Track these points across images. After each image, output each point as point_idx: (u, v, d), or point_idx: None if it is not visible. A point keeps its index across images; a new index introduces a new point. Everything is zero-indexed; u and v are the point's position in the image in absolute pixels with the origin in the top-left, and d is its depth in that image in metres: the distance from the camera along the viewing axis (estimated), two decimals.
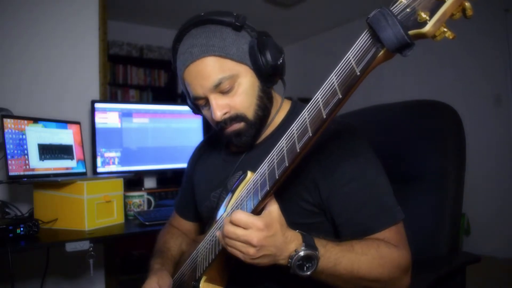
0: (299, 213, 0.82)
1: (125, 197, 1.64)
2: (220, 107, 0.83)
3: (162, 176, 2.08)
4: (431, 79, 3.75)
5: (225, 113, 0.84)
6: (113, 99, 4.42)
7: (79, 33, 1.94)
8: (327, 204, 0.80)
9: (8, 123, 1.44)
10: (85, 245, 1.25)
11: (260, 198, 0.68)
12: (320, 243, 0.70)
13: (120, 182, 1.56)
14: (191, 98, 0.89)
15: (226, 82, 0.82)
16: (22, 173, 1.44)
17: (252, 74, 0.85)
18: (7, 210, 1.54)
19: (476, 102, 3.38)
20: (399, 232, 0.77)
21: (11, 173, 1.40)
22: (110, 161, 1.79)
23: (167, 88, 4.80)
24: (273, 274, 0.79)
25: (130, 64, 4.60)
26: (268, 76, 0.85)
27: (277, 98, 0.94)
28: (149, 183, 1.95)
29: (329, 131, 0.80)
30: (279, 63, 0.83)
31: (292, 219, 0.81)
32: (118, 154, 1.82)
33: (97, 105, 1.78)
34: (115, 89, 4.54)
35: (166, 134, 1.91)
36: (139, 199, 1.69)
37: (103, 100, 1.98)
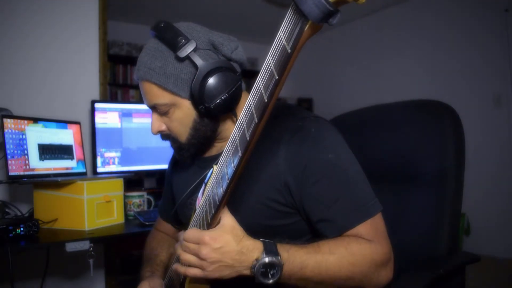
0: (273, 216, 0.81)
1: (125, 197, 1.64)
2: (156, 125, 0.87)
3: (162, 176, 2.08)
4: (431, 79, 3.76)
5: (160, 130, 0.88)
6: (113, 99, 4.42)
7: (79, 33, 1.94)
8: (300, 205, 0.79)
9: (8, 123, 1.44)
10: (85, 245, 1.25)
11: (223, 191, 0.68)
12: (283, 248, 0.70)
13: (120, 182, 1.56)
14: None
15: (161, 107, 0.84)
16: (22, 173, 1.44)
17: (189, 106, 0.82)
18: (7, 210, 1.54)
19: (476, 102, 3.38)
20: (374, 226, 0.76)
21: (11, 173, 1.40)
22: (110, 161, 1.79)
23: None
24: None
25: (130, 64, 4.59)
26: (205, 113, 0.81)
27: (233, 121, 0.88)
28: (149, 183, 1.95)
29: (297, 129, 0.79)
30: (212, 106, 0.78)
31: (265, 222, 0.81)
32: (118, 154, 1.81)
33: (97, 105, 1.78)
34: (115, 89, 4.54)
35: None
36: (139, 199, 1.69)
37: (103, 100, 1.98)
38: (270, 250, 0.69)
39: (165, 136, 0.89)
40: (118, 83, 4.55)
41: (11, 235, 1.18)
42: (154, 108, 0.86)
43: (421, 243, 0.98)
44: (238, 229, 0.71)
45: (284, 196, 0.79)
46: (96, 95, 1.97)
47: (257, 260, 0.68)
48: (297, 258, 0.70)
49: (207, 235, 0.69)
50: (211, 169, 0.81)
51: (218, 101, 0.78)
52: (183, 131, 0.85)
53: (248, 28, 4.81)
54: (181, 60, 0.80)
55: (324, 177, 0.76)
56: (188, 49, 0.78)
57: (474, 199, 2.94)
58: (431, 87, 3.66)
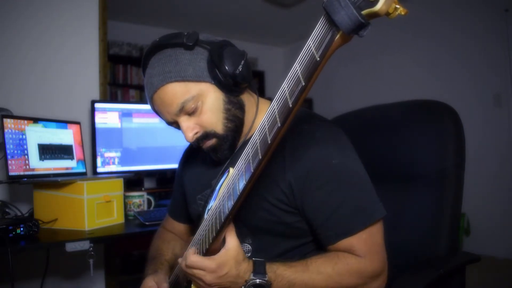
0: (275, 214, 0.82)
1: (125, 197, 1.64)
2: (189, 129, 0.85)
3: (162, 176, 2.08)
4: (431, 79, 3.76)
5: (196, 133, 0.86)
6: (113, 99, 4.42)
7: (79, 33, 1.94)
8: (301, 208, 0.80)
9: (8, 123, 1.44)
10: (85, 245, 1.25)
11: (238, 193, 0.69)
12: (270, 269, 0.74)
13: (120, 182, 1.56)
14: (166, 123, 0.91)
15: (189, 103, 0.83)
16: (22, 173, 1.44)
17: (214, 89, 0.84)
18: (7, 210, 1.54)
19: (476, 102, 3.38)
20: (370, 239, 0.77)
21: (11, 173, 1.40)
22: (110, 161, 1.79)
23: None
24: None
25: (130, 64, 4.59)
26: (232, 87, 0.84)
27: (252, 101, 0.92)
28: (149, 183, 1.95)
29: (303, 132, 0.81)
30: (237, 72, 0.81)
31: (268, 218, 0.83)
32: (118, 154, 1.81)
33: (97, 105, 1.78)
34: (115, 89, 4.54)
35: (166, 134, 1.91)
36: (139, 199, 1.69)
37: (103, 100, 1.98)
38: (258, 271, 0.73)
39: (200, 138, 0.87)
40: (118, 83, 4.55)
41: (11, 235, 1.18)
42: (181, 110, 0.84)
43: (421, 243, 0.98)
44: (241, 253, 0.74)
45: (287, 196, 0.81)
46: (96, 95, 1.96)
47: (246, 281, 0.72)
48: (285, 277, 0.73)
49: (214, 263, 0.72)
50: (226, 172, 0.82)
51: (240, 66, 0.82)
52: (217, 119, 0.85)
53: (248, 28, 4.80)
54: (191, 48, 0.83)
55: (327, 182, 0.78)
56: (193, 37, 0.83)
57: (474, 199, 2.94)
58: (431, 87, 3.65)
